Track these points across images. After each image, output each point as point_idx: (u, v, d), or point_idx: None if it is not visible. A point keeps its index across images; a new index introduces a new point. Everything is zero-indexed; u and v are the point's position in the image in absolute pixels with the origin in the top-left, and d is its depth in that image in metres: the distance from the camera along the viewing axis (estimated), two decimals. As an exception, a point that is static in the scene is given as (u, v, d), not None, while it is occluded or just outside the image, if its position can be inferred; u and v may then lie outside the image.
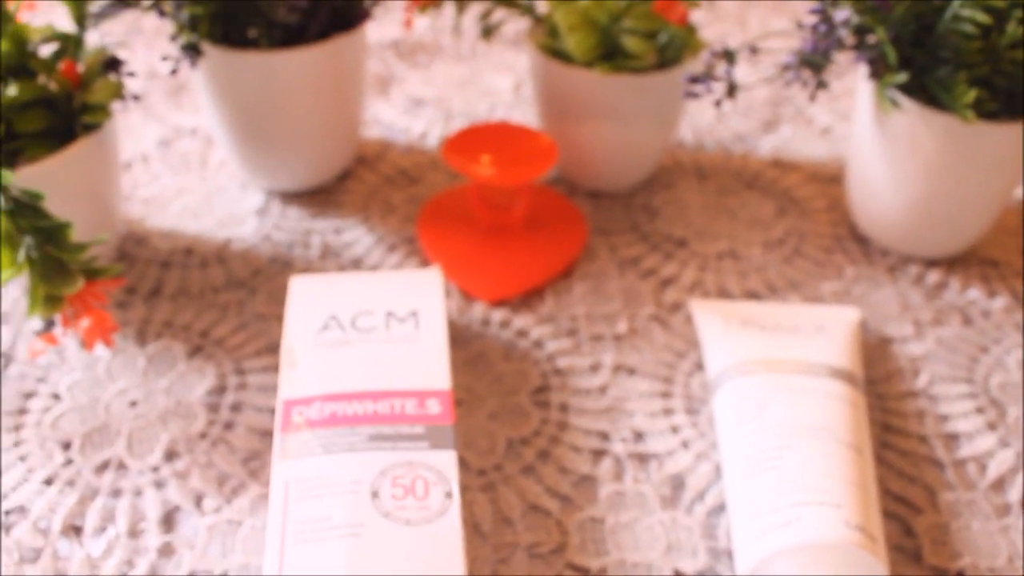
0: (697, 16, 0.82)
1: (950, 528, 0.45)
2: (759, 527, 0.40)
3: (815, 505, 0.40)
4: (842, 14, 0.49)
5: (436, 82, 0.74)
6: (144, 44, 0.77)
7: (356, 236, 0.59)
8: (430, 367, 0.44)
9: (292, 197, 0.62)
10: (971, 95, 0.48)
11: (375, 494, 0.38)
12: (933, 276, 0.58)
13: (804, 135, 0.70)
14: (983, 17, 0.48)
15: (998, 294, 0.57)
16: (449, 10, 0.62)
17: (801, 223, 0.62)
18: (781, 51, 0.73)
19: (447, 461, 0.40)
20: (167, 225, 0.60)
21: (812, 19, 0.51)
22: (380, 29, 0.79)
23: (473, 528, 0.44)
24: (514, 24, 0.64)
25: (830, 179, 0.65)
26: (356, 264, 0.57)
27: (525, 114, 0.70)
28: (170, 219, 0.60)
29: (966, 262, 0.59)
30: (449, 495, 0.39)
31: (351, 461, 0.39)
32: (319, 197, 0.62)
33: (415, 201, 0.62)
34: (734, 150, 0.68)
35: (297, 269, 0.57)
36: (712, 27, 0.82)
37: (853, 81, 0.72)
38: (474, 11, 0.73)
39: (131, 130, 0.68)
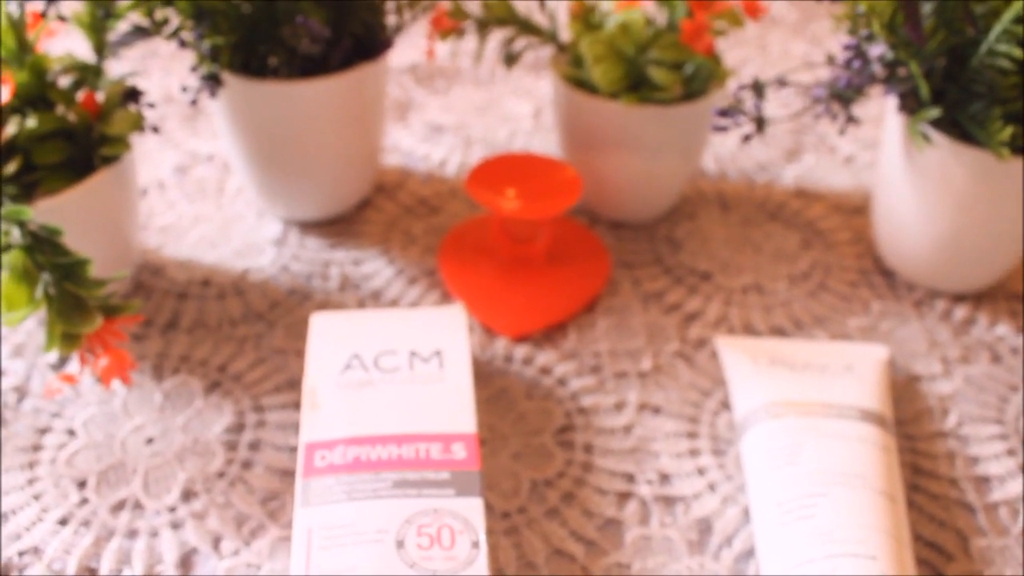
0: (718, 42, 0.81)
1: (983, 576, 0.44)
2: (793, 579, 0.39)
3: (850, 557, 0.39)
4: (876, 49, 0.48)
5: (455, 108, 0.73)
6: (160, 68, 0.76)
7: (376, 268, 0.58)
8: (455, 409, 0.43)
9: (310, 227, 0.61)
10: (1007, 132, 0.47)
11: (400, 544, 0.37)
12: (960, 311, 0.57)
13: (827, 164, 0.69)
14: (1019, 52, 0.47)
15: (1027, 330, 0.56)
16: (469, 36, 0.61)
17: (826, 256, 0.61)
18: (805, 80, 0.72)
19: (474, 509, 0.39)
20: (183, 255, 0.59)
21: (845, 54, 0.50)
22: (398, 54, 0.78)
23: (497, 574, 0.43)
24: (533, 50, 0.63)
25: (854, 210, 0.64)
26: (376, 297, 0.56)
27: (545, 141, 0.70)
28: (186, 248, 0.59)
29: (994, 297, 0.58)
30: (476, 545, 0.38)
31: (376, 509, 0.39)
32: (338, 227, 0.61)
33: (435, 231, 0.61)
34: (757, 180, 0.67)
35: (316, 302, 0.56)
36: (732, 52, 0.81)
37: (876, 109, 0.71)
38: (495, 38, 0.73)
39: (147, 156, 0.67)
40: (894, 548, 0.40)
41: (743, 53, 0.81)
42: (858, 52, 0.49)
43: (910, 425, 0.50)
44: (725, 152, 0.69)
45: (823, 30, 0.85)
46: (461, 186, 0.65)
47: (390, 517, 0.38)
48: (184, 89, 0.52)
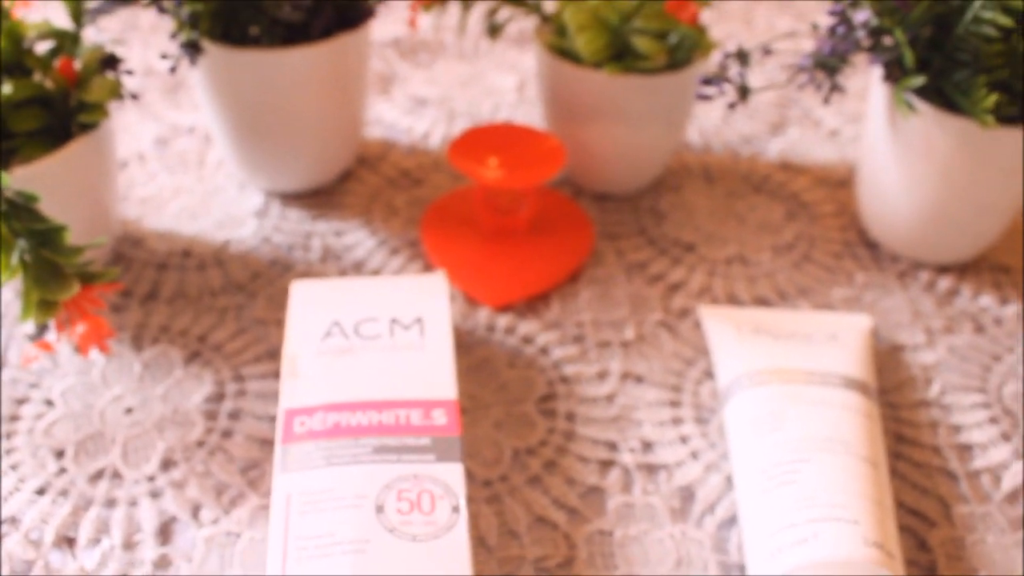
0: (703, 15, 0.81)
1: (965, 542, 0.44)
2: (775, 544, 0.39)
3: (832, 522, 0.39)
4: (861, 15, 0.48)
5: (439, 81, 0.73)
6: (141, 40, 0.76)
7: (358, 239, 0.58)
8: (436, 376, 0.42)
9: (292, 198, 0.61)
10: (991, 99, 0.47)
11: (380, 508, 0.37)
12: (944, 283, 0.57)
13: (812, 137, 0.69)
14: (1004, 19, 0.47)
15: (1010, 301, 0.56)
16: (453, 8, 0.60)
17: (810, 228, 0.60)
18: (788, 52, 0.72)
19: (454, 474, 0.39)
20: (164, 226, 0.58)
21: (830, 20, 0.49)
22: (381, 27, 0.78)
23: (479, 541, 0.43)
24: (517, 22, 0.63)
25: (838, 183, 0.64)
26: (358, 268, 0.56)
27: (529, 114, 0.69)
28: (167, 220, 0.59)
29: (977, 268, 0.58)
30: (456, 509, 0.37)
31: (355, 474, 0.38)
32: (320, 198, 0.61)
33: (418, 203, 0.61)
34: (741, 152, 0.67)
35: (297, 272, 0.55)
36: (718, 26, 0.81)
37: (861, 82, 0.71)
38: (479, 9, 0.72)
39: (127, 128, 0.66)
40: (876, 513, 0.40)
41: (728, 27, 0.81)
42: (843, 18, 0.49)
43: (893, 394, 0.50)
44: (710, 125, 0.69)
45: (808, 6, 0.84)
46: (444, 158, 0.65)
47: (370, 482, 0.38)
48: (164, 57, 0.52)
